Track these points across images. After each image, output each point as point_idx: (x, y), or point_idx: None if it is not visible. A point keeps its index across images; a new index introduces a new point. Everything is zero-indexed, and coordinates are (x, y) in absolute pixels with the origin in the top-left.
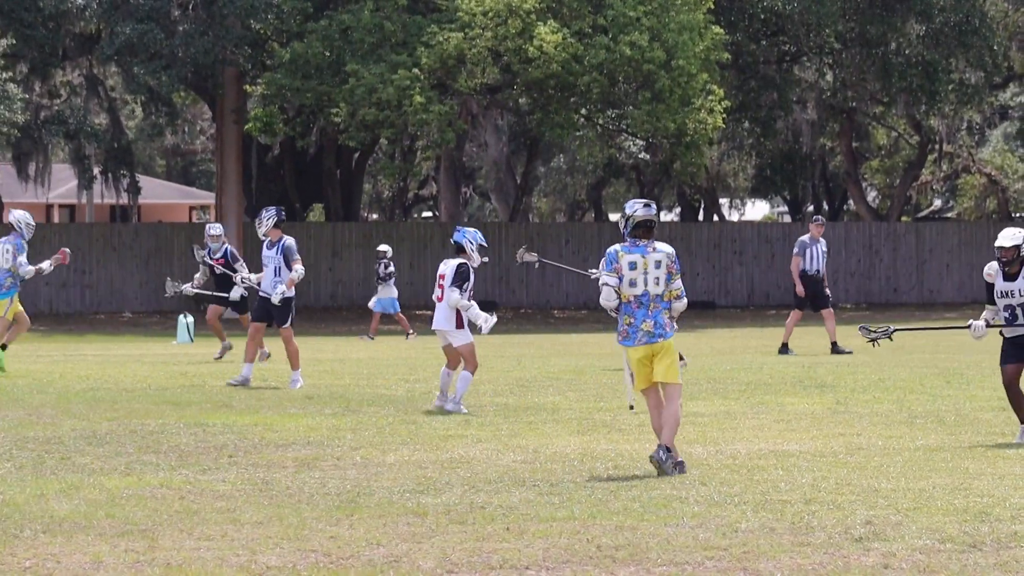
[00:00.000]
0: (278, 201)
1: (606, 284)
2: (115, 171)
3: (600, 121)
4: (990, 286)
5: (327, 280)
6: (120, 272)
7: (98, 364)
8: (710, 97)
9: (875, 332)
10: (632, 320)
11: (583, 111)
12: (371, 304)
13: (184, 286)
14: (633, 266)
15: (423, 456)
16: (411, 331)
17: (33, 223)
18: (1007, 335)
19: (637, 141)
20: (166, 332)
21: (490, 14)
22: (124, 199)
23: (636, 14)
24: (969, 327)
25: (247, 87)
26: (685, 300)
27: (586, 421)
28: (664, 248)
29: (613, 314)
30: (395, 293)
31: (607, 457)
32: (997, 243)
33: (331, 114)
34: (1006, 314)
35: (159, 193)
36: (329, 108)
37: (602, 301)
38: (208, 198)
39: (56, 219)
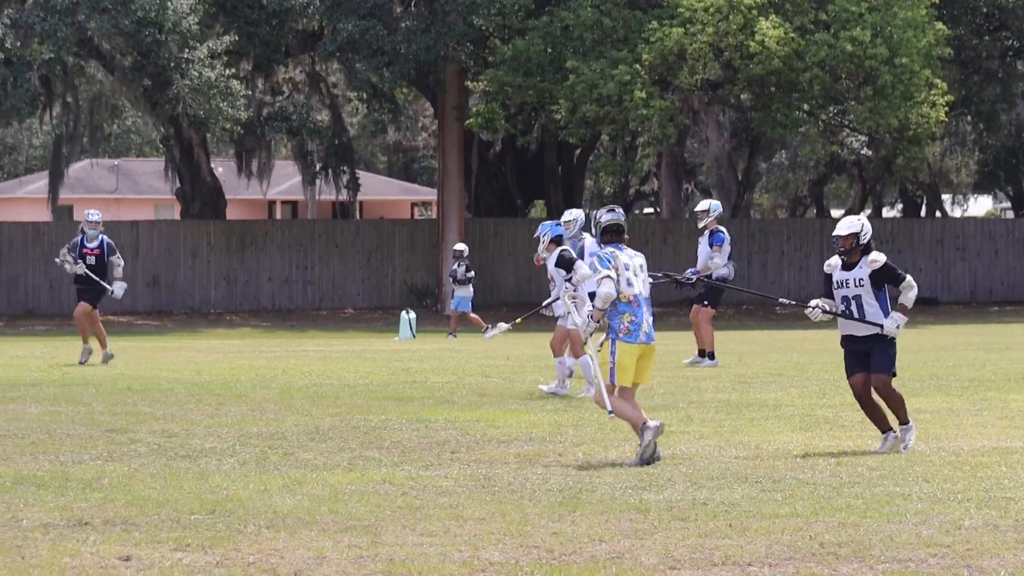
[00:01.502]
0: (499, 197)
1: (608, 278)
2: (336, 167)
3: (822, 117)
4: (828, 278)
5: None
6: (342, 268)
7: (320, 360)
8: (932, 91)
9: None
10: (634, 318)
11: (805, 107)
12: (453, 305)
13: (72, 264)
14: (627, 267)
15: None
16: (455, 333)
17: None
18: (842, 332)
19: (859, 137)
20: (388, 328)
21: (711, 9)
22: (345, 195)
23: (859, 10)
24: (808, 307)
25: (469, 84)
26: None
27: (808, 417)
28: (640, 254)
29: (592, 312)
30: (471, 294)
31: (829, 454)
32: (834, 233)
33: (552, 111)
34: (842, 306)
35: (380, 189)
36: (550, 105)
37: (604, 297)
38: (430, 194)
39: (278, 215)
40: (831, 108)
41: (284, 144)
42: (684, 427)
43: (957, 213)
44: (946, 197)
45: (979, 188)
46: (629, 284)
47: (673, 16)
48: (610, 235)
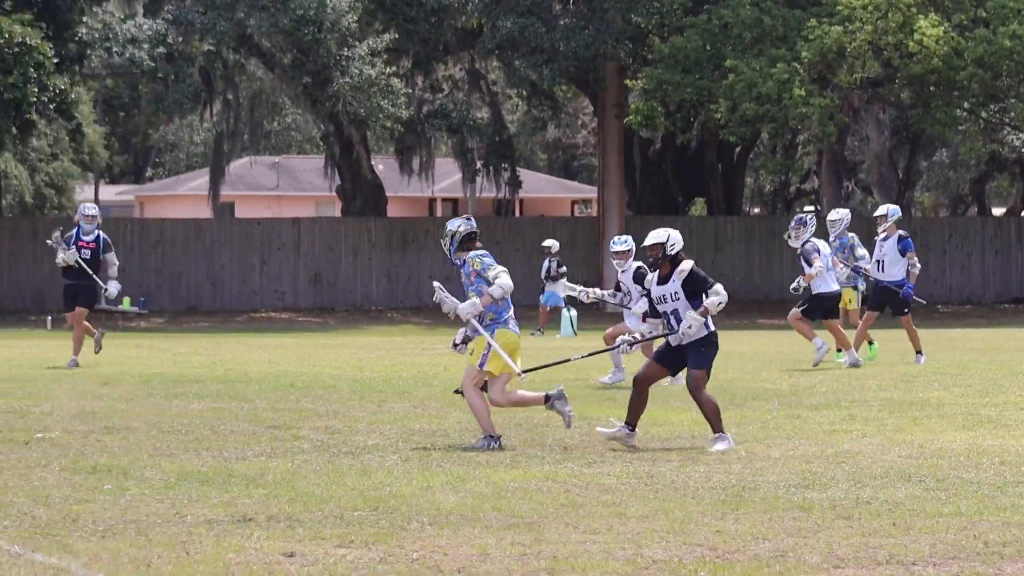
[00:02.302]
0: (660, 195)
1: (504, 271)
2: (497, 165)
3: (982, 115)
4: (649, 294)
5: (710, 274)
6: (503, 265)
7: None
8: None
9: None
10: (511, 311)
11: (964, 105)
12: (543, 299)
13: (65, 250)
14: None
15: (808, 450)
16: (542, 329)
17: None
18: (672, 343)
19: (1020, 135)
20: (550, 326)
21: (870, 7)
22: (506, 193)
23: (1018, 5)
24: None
25: (628, 81)
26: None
27: (972, 416)
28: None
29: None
30: (563, 291)
31: (993, 453)
32: (644, 244)
33: (711, 109)
34: (669, 320)
35: (540, 187)
36: (709, 103)
37: (506, 283)
38: (590, 192)
39: (439, 212)
40: (991, 106)
41: (444, 141)
42: (847, 426)
43: None
44: None
45: None
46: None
47: (832, 14)
48: (468, 243)
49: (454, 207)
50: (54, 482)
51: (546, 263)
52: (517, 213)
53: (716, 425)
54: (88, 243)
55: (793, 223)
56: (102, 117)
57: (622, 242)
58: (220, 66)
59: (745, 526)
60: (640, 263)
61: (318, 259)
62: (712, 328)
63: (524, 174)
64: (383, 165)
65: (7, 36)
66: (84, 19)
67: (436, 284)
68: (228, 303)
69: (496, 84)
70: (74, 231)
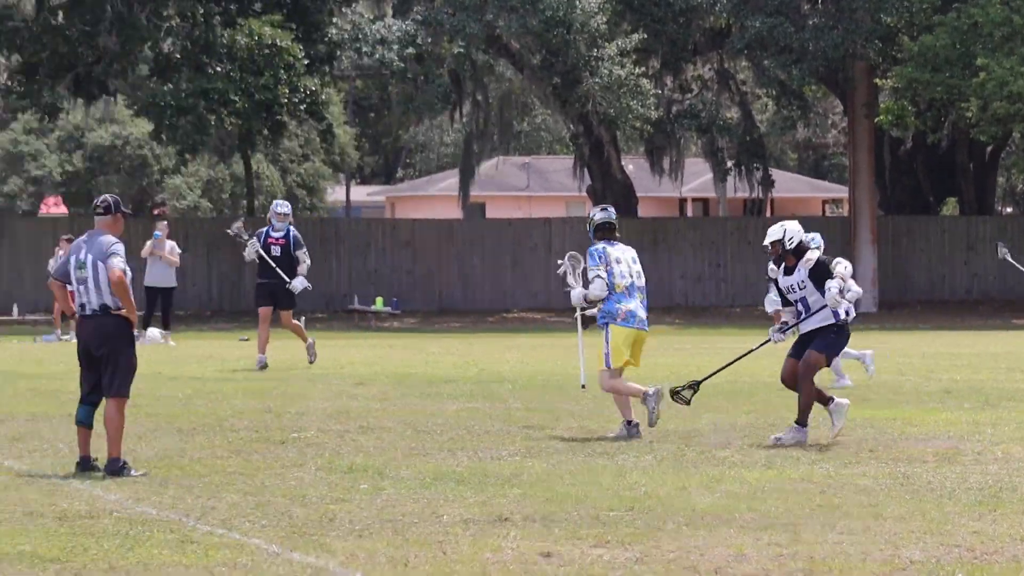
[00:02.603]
0: (911, 195)
1: (599, 277)
2: (747, 164)
3: None
4: (776, 283)
5: (962, 274)
6: (755, 266)
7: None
8: None
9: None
10: (630, 307)
11: None
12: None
13: (247, 239)
14: (619, 260)
15: None
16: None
17: None
18: (803, 330)
19: None
20: None
21: None
22: (756, 192)
23: None
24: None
25: (877, 81)
26: None
27: None
28: (631, 248)
29: (584, 304)
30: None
31: None
32: (764, 242)
33: (962, 108)
34: (799, 307)
35: (790, 187)
36: (960, 102)
37: (596, 292)
38: (839, 191)
39: (689, 212)
40: None
41: (694, 141)
42: None
43: None
44: None
45: None
46: (623, 276)
47: None
48: (604, 231)
49: (704, 207)
50: (310, 481)
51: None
52: (768, 213)
53: (802, 417)
54: (277, 239)
55: None
56: (352, 118)
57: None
58: (469, 67)
59: (1003, 527)
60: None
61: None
62: (842, 318)
63: (774, 173)
64: (633, 165)
65: (258, 38)
66: (334, 20)
67: (568, 257)
68: (480, 303)
69: (745, 84)
70: (265, 228)
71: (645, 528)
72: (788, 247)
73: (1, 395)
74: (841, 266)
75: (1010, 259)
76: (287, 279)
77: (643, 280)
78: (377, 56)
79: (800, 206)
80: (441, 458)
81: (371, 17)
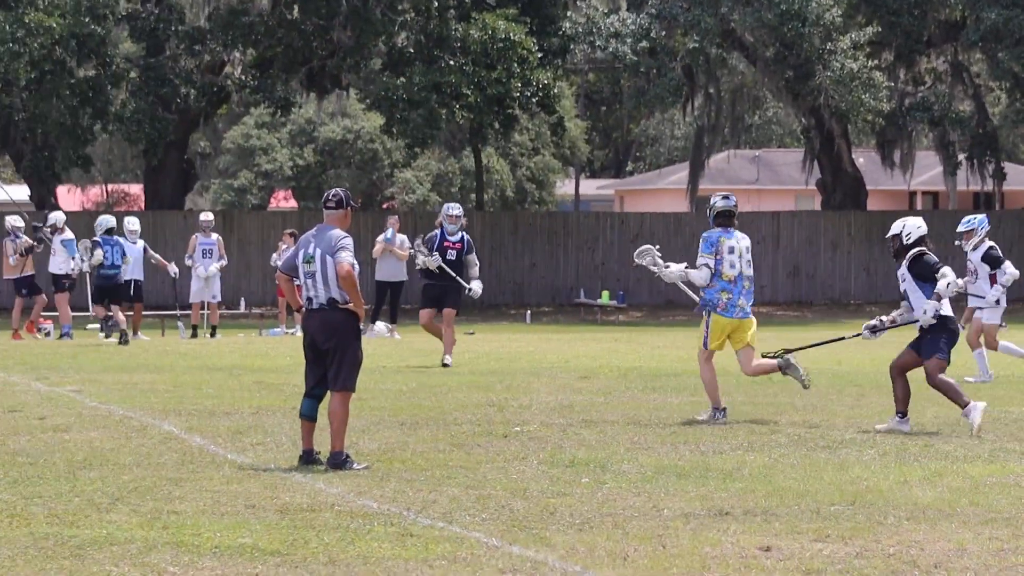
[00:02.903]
0: None
1: (705, 265)
2: (980, 157)
3: None
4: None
5: None
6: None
7: (962, 351)
8: None
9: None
10: (731, 296)
11: None
12: None
13: (426, 255)
14: (732, 250)
15: None
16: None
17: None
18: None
19: None
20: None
21: None
22: (993, 186)
23: None
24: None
25: None
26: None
27: None
28: (746, 237)
29: (689, 290)
30: None
31: None
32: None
33: None
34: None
35: (1022, 179)
36: None
37: (697, 278)
38: None
39: (919, 206)
40: None
41: (925, 134)
42: None
43: None
44: None
45: None
46: (732, 266)
47: None
48: (723, 219)
49: (934, 200)
50: (532, 475)
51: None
52: (998, 206)
53: (960, 401)
54: (453, 244)
55: None
56: (583, 111)
57: (966, 223)
58: (703, 60)
59: None
60: (993, 245)
61: (797, 252)
62: (949, 314)
63: (1007, 167)
64: (863, 158)
65: (491, 32)
66: (568, 14)
67: (639, 253)
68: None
69: (979, 76)
70: (436, 232)
71: (865, 522)
72: (905, 242)
73: (226, 388)
74: (944, 281)
75: None
76: (465, 284)
77: (751, 270)
78: (611, 49)
79: None
80: (663, 452)
81: (605, 11)
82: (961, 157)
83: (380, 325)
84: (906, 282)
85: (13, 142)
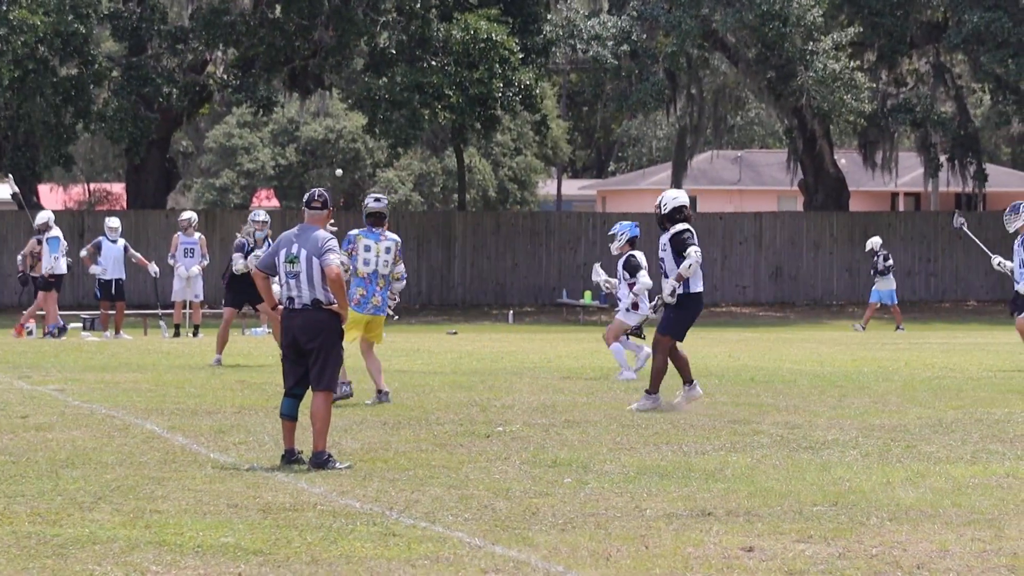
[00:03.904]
0: None
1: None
2: (961, 159)
3: None
4: None
5: None
6: (965, 260)
7: (943, 352)
8: None
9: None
10: (364, 292)
11: None
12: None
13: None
14: (368, 248)
15: None
16: (902, 325)
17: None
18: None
19: None
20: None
21: None
22: (971, 187)
23: None
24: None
25: None
26: (404, 282)
27: None
28: (393, 236)
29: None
30: (893, 285)
31: None
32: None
33: None
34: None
35: (1003, 181)
36: None
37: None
38: None
39: (901, 207)
40: None
41: (907, 135)
42: None
43: None
44: None
45: None
46: (366, 263)
47: None
48: (372, 220)
49: (916, 201)
50: (514, 475)
51: (874, 259)
52: (980, 208)
53: (653, 385)
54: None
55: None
56: (565, 112)
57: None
58: (684, 62)
59: None
60: (633, 253)
61: (779, 253)
62: (691, 290)
63: (989, 168)
64: (845, 159)
65: (474, 32)
66: (548, 16)
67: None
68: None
69: (961, 78)
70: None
71: (848, 523)
72: (663, 211)
73: (208, 388)
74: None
75: (966, 230)
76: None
77: (387, 270)
78: (591, 53)
79: (1013, 201)
80: (646, 452)
81: (586, 13)
82: (943, 158)
83: None
84: (666, 252)
85: None
